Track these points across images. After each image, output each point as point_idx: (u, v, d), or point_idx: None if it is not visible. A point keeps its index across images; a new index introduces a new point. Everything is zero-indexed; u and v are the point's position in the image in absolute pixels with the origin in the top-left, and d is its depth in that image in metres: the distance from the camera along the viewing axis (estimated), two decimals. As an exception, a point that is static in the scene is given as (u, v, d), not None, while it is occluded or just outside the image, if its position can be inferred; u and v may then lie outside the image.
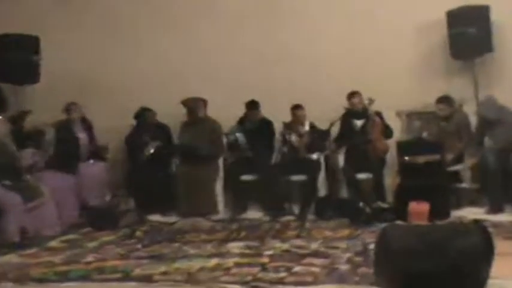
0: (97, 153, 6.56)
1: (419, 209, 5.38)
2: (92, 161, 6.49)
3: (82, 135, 6.54)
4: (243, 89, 6.63)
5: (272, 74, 6.73)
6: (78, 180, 6.21)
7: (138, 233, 5.67)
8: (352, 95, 6.34)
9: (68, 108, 6.49)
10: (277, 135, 6.55)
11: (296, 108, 6.45)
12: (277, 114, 6.47)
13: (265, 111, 6.62)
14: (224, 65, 6.82)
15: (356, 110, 6.35)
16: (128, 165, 6.74)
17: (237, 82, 6.75)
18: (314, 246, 4.88)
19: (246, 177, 6.44)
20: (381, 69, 6.49)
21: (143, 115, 6.74)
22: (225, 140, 6.61)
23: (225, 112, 6.59)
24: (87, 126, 6.63)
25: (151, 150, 6.53)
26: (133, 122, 6.82)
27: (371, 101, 6.17)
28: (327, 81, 6.63)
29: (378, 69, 6.50)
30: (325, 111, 6.36)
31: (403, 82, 6.51)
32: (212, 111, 6.71)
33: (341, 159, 6.39)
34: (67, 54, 6.95)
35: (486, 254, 3.17)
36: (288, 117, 6.48)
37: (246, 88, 6.61)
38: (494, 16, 6.18)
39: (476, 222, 4.02)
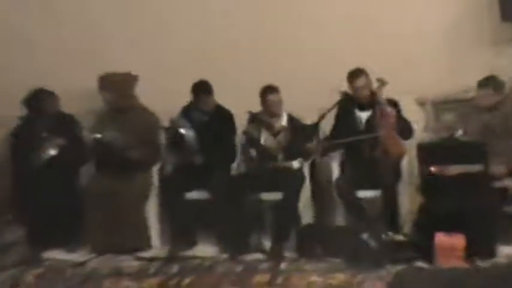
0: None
1: (450, 243, 5.42)
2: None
3: None
4: (188, 67, 6.77)
5: (234, 49, 6.93)
6: None
7: (28, 278, 5.68)
8: (354, 74, 6.30)
9: None
10: (240, 132, 6.57)
11: (267, 91, 6.41)
12: (239, 104, 6.47)
13: (221, 100, 6.65)
14: (161, 35, 7.02)
15: (360, 97, 6.31)
16: (15, 176, 6.69)
17: (179, 58, 6.91)
18: (294, 298, 4.94)
19: (193, 195, 6.42)
20: (397, 40, 6.62)
21: (39, 101, 6.69)
22: (163, 139, 6.59)
23: (162, 98, 6.63)
24: None
25: (52, 152, 6.48)
26: (23, 112, 6.78)
27: (382, 83, 6.07)
28: (317, 56, 6.73)
29: (392, 40, 6.63)
30: (312, 100, 6.43)
31: (428, 58, 6.59)
32: (143, 97, 6.70)
33: (335, 169, 6.40)
34: None
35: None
36: (255, 107, 6.46)
37: (192, 66, 6.75)
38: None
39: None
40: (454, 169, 5.70)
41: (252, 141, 6.42)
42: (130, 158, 6.38)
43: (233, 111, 6.64)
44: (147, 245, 6.28)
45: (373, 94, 6.24)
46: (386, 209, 6.10)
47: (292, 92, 6.48)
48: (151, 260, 6.01)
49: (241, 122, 6.59)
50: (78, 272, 5.77)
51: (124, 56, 6.88)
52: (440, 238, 5.44)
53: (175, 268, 5.77)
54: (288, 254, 5.97)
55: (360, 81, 6.28)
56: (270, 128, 6.39)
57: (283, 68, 6.79)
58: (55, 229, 6.30)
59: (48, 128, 6.62)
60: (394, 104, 6.26)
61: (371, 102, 6.26)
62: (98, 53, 6.99)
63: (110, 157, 6.39)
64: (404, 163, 6.28)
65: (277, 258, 5.88)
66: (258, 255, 6.02)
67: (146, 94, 6.67)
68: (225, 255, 6.04)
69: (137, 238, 6.27)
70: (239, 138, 6.61)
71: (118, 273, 5.70)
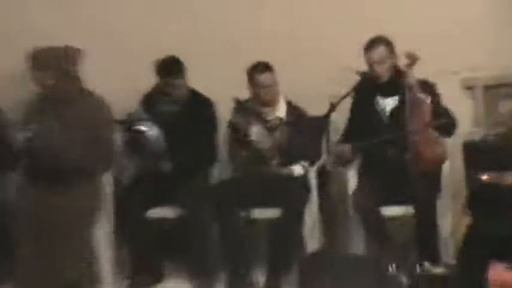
0: None
1: (510, 278, 5.08)
2: None
3: None
4: (149, 43, 6.79)
5: (212, 17, 6.88)
6: None
7: None
8: (370, 44, 5.98)
9: None
10: (224, 127, 6.38)
11: (258, 69, 6.13)
12: (220, 89, 6.39)
13: (198, 85, 6.47)
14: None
15: (378, 76, 5.97)
16: None
17: (136, 32, 6.87)
18: None
19: (158, 212, 6.12)
20: (434, 8, 6.54)
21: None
22: (117, 137, 6.28)
23: (118, 82, 6.56)
24: None
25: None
26: None
27: (412, 58, 5.67)
28: (324, 29, 6.70)
29: (428, 7, 6.56)
30: (321, 86, 6.35)
31: (475, 28, 6.52)
32: (91, 80, 6.28)
33: (352, 178, 6.13)
34: None
35: None
36: (242, 93, 6.26)
37: (155, 41, 6.79)
38: None
39: None
40: (513, 177, 5.49)
41: (238, 137, 6.11)
42: (72, 162, 5.83)
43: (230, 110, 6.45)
44: (95, 281, 5.94)
45: (400, 74, 5.83)
46: (421, 231, 5.76)
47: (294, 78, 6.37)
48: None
49: (224, 112, 6.43)
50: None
51: (62, 27, 6.73)
52: (496, 271, 5.03)
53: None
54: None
55: (377, 53, 5.89)
56: (262, 119, 6.08)
57: (282, 48, 6.67)
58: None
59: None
60: (430, 88, 5.85)
61: (398, 85, 5.85)
62: (28, 25, 6.86)
63: (44, 161, 5.89)
64: (445, 169, 5.98)
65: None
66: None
67: (95, 76, 6.25)
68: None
69: (81, 271, 5.81)
70: (223, 135, 6.33)
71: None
